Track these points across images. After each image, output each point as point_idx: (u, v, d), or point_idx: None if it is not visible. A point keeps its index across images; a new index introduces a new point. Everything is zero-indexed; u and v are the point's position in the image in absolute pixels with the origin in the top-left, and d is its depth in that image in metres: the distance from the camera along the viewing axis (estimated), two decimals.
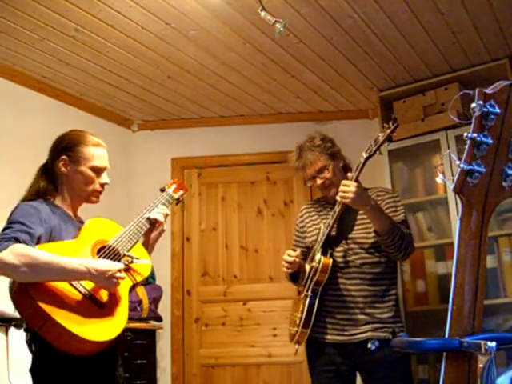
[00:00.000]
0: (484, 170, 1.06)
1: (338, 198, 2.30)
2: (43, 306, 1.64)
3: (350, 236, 2.43)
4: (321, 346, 2.41)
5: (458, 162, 1.06)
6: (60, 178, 1.97)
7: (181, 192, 2.35)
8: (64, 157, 1.96)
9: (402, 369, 2.35)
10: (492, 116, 1.05)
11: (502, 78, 1.18)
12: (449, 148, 3.32)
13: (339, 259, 2.41)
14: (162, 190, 2.29)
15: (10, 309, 2.83)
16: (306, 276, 2.43)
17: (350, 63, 3.47)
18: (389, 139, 2.26)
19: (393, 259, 2.42)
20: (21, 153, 3.36)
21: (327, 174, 2.46)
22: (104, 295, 1.80)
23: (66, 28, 2.97)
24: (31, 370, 1.78)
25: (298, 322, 2.42)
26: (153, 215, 2.09)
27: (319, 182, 2.47)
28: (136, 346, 3.49)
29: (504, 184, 1.08)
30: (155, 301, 3.71)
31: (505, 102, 1.06)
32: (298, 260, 2.44)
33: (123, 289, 1.87)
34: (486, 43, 3.28)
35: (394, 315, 2.38)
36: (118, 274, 1.79)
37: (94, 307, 1.75)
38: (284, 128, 4.22)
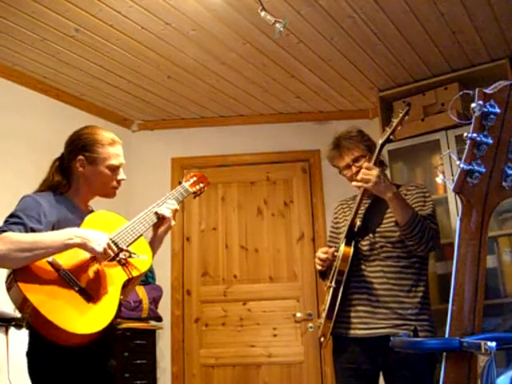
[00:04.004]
0: (484, 170, 1.06)
1: (356, 183, 2.33)
2: (30, 297, 1.66)
3: (377, 229, 2.43)
4: (345, 342, 2.41)
5: (458, 162, 1.06)
6: (76, 176, 2.01)
7: (200, 185, 2.34)
8: (81, 157, 1.99)
9: (424, 370, 2.26)
10: (492, 116, 1.05)
11: (502, 78, 1.18)
12: (449, 148, 3.32)
13: (365, 252, 2.42)
14: (180, 183, 2.29)
15: (9, 309, 2.83)
16: (333, 268, 2.43)
17: (350, 63, 3.48)
18: (388, 141, 2.32)
19: (414, 253, 2.38)
20: (21, 153, 3.36)
21: (363, 163, 2.45)
22: (95, 288, 1.81)
23: (66, 28, 2.97)
24: (27, 353, 1.83)
25: (322, 313, 2.44)
26: (161, 210, 2.09)
27: (354, 170, 2.46)
28: (136, 345, 3.49)
29: (504, 184, 1.08)
30: (155, 301, 3.71)
31: (505, 102, 1.06)
32: (331, 258, 2.45)
33: (116, 282, 1.88)
34: (485, 43, 3.28)
35: (418, 313, 2.34)
36: (107, 241, 1.80)
37: (82, 300, 1.76)
38: (284, 128, 4.23)
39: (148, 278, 3.73)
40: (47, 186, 1.99)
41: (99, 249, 1.77)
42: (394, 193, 2.30)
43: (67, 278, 1.77)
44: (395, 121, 2.31)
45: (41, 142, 3.49)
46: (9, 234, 1.72)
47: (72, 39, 3.08)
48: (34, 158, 3.37)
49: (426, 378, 2.28)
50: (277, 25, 2.66)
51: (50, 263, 1.77)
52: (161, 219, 2.09)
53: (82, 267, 1.82)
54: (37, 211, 1.83)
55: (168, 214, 2.10)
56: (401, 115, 2.30)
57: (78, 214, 1.96)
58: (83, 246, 1.78)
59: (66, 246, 1.76)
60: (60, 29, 2.98)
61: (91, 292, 1.79)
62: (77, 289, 1.77)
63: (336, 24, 3.03)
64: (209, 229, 4.15)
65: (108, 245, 1.80)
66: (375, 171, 2.29)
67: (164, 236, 2.15)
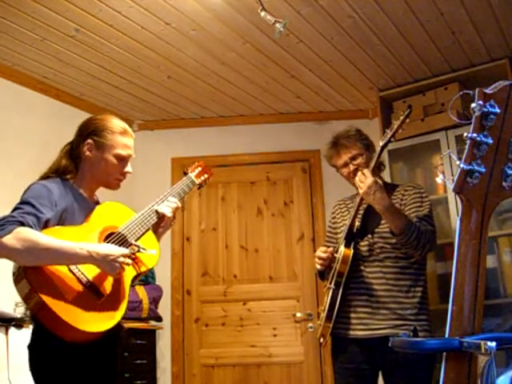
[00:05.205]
0: (484, 169, 1.06)
1: (356, 181, 2.35)
2: (39, 292, 1.64)
3: (376, 230, 2.43)
4: (344, 342, 2.41)
5: (458, 162, 1.06)
6: (83, 161, 1.97)
7: (205, 176, 2.30)
8: (90, 141, 1.95)
9: (423, 370, 2.26)
10: (492, 116, 1.05)
11: (502, 78, 1.18)
12: (449, 148, 3.32)
13: (364, 253, 2.42)
14: (185, 173, 2.25)
15: (9, 309, 2.83)
16: (333, 270, 2.43)
17: (350, 63, 3.48)
18: (390, 141, 2.32)
19: (411, 256, 2.38)
20: (21, 153, 3.36)
21: (361, 161, 2.46)
22: (105, 285, 1.78)
23: (66, 28, 2.97)
24: (29, 347, 1.79)
25: (321, 314, 2.44)
26: (161, 209, 2.03)
27: (352, 168, 2.47)
28: (136, 345, 3.49)
29: (504, 184, 1.08)
30: (155, 301, 3.71)
31: (505, 102, 1.06)
32: (330, 257, 2.45)
33: (126, 278, 1.85)
34: (486, 43, 3.28)
35: (417, 312, 2.34)
36: (122, 259, 1.75)
37: (92, 297, 1.74)
38: (284, 128, 4.23)
39: (148, 278, 3.73)
40: (54, 170, 1.94)
41: (113, 271, 1.75)
42: (383, 206, 2.29)
43: (77, 273, 1.74)
44: (396, 123, 2.30)
45: (40, 142, 3.49)
46: (25, 230, 1.66)
47: (72, 39, 3.08)
48: (34, 158, 3.37)
49: (425, 378, 2.28)
50: (277, 25, 2.66)
51: None
52: (161, 218, 2.04)
53: None
54: (49, 199, 1.79)
55: (168, 212, 2.04)
56: (402, 118, 2.29)
57: (83, 205, 1.91)
58: (98, 267, 1.75)
59: (81, 263, 1.74)
60: (60, 29, 2.97)
61: (101, 288, 1.76)
62: (87, 285, 1.74)
63: (336, 24, 3.03)
64: (209, 229, 4.15)
65: (121, 264, 1.76)
66: (369, 180, 2.28)
67: (162, 234, 2.10)
